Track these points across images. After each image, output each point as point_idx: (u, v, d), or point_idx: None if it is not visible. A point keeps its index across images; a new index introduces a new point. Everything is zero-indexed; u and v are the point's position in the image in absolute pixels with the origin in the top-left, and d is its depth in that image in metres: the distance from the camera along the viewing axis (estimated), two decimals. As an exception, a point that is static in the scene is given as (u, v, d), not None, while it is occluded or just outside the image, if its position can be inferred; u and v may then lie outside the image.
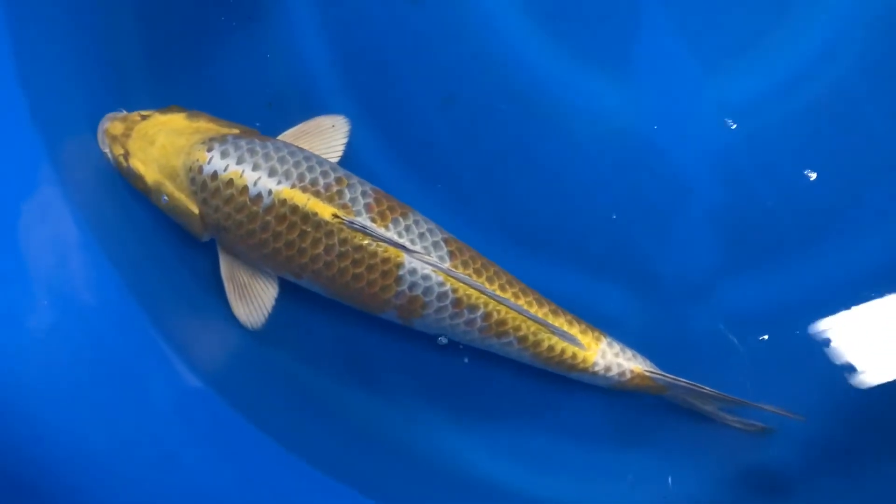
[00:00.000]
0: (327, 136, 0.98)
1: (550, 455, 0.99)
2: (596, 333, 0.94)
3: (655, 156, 1.04)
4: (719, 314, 1.01)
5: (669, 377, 0.93)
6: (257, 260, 0.92)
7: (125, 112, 0.94)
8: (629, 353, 0.95)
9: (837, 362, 0.98)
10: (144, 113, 0.94)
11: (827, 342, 0.99)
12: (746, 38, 1.05)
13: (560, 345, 0.92)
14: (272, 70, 1.05)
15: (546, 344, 0.92)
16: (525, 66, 1.05)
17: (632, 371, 0.94)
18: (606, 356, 0.94)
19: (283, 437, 0.91)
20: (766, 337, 1.00)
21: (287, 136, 0.97)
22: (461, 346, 0.96)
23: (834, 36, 1.04)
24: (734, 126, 1.03)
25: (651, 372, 0.94)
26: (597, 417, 0.99)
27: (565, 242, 1.03)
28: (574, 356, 0.93)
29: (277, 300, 0.93)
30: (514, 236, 1.03)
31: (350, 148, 0.98)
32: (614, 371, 0.94)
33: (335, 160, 0.96)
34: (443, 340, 0.96)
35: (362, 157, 1.02)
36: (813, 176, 1.02)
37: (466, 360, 0.98)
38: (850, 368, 0.98)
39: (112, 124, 0.93)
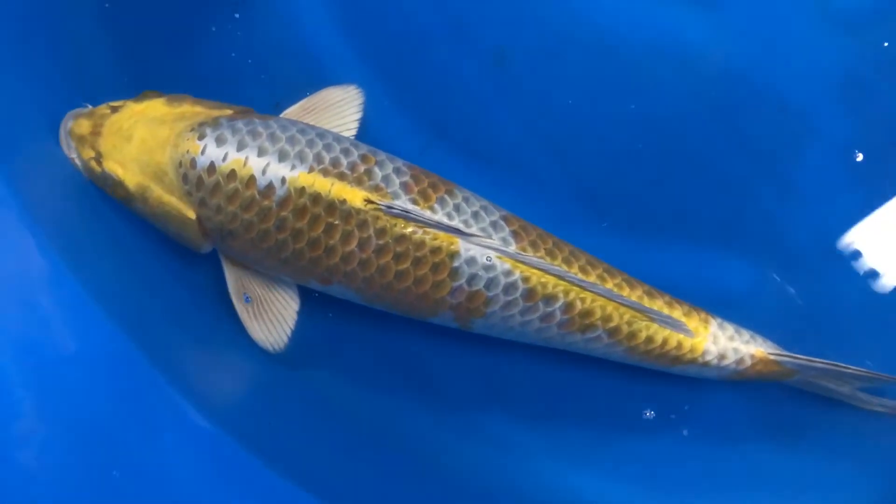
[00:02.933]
0: (337, 110, 0.83)
1: (681, 472, 0.83)
2: (702, 315, 0.78)
3: (762, 94, 0.88)
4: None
5: (801, 358, 0.78)
6: (273, 268, 0.76)
7: (90, 107, 0.79)
8: (746, 334, 0.79)
9: None
10: (115, 104, 0.78)
11: None
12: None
13: (661, 333, 0.76)
14: (273, 54, 0.89)
15: (643, 335, 0.76)
16: (593, 7, 0.89)
17: (752, 356, 0.77)
18: (719, 341, 0.77)
19: (319, 486, 0.75)
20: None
21: (289, 114, 0.81)
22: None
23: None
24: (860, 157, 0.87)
25: (777, 354, 0.77)
26: (732, 417, 0.83)
27: (667, 215, 0.87)
28: (680, 345, 0.77)
29: (300, 314, 0.79)
30: (600, 214, 0.87)
31: (371, 130, 0.83)
32: (730, 358, 0.77)
33: None
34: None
35: (388, 139, 0.86)
36: None
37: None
38: None
39: (77, 122, 0.77)
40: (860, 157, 0.86)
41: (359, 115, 0.83)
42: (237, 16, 0.88)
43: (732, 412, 0.83)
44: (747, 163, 0.87)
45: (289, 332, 0.78)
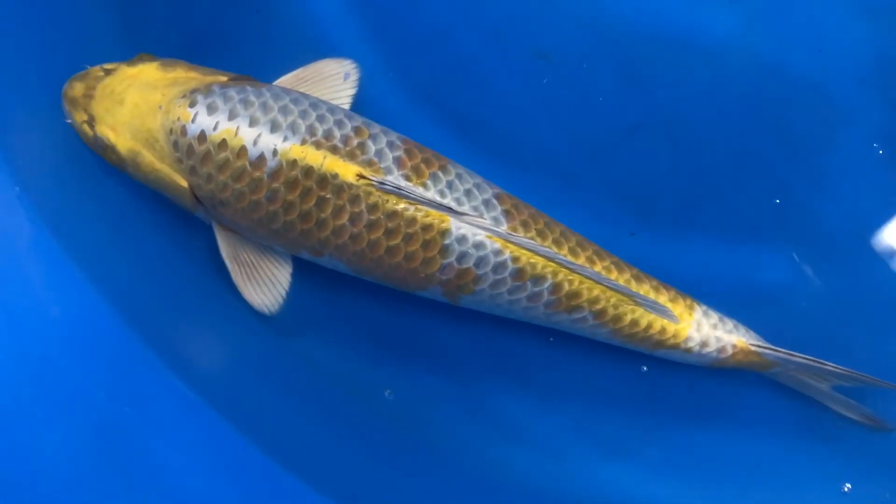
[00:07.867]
0: (331, 84, 0.81)
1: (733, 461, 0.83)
2: (688, 301, 0.78)
3: (795, 84, 0.86)
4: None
5: (781, 351, 0.78)
6: (264, 238, 0.75)
7: (88, 67, 0.77)
8: (729, 323, 0.79)
9: None
10: (108, 66, 0.77)
11: None
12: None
13: (646, 318, 0.76)
14: (290, 44, 0.88)
15: (629, 318, 0.76)
16: (621, 1, 0.87)
17: (734, 345, 0.78)
18: (702, 329, 0.78)
19: (313, 469, 0.74)
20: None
21: (281, 83, 0.80)
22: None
23: None
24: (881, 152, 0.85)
25: (758, 346, 0.78)
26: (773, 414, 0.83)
27: (703, 209, 0.86)
28: (664, 330, 0.77)
29: (294, 277, 0.78)
30: (633, 210, 0.86)
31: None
32: (712, 346, 0.78)
33: None
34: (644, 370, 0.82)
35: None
36: None
37: (551, 339, 0.81)
38: None
39: (70, 84, 0.76)
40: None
41: (353, 91, 0.81)
42: None
43: (773, 408, 0.83)
44: (781, 154, 0.86)
45: (283, 293, 0.78)
